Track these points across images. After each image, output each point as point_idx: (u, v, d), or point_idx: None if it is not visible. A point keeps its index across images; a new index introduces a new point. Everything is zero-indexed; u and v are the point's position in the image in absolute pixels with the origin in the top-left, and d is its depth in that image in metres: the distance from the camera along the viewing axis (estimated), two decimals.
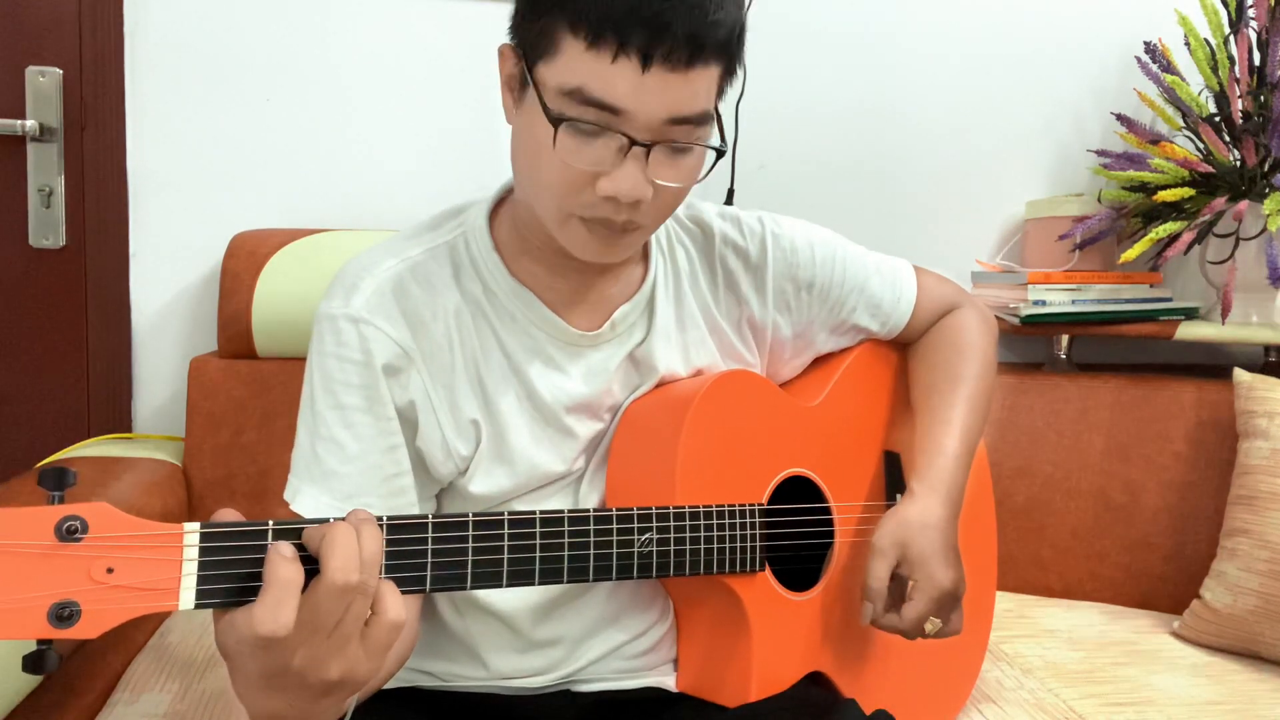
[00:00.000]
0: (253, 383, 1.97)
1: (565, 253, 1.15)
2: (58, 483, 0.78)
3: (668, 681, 1.29)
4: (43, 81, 2.01)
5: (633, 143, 1.02)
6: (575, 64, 1.00)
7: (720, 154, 1.07)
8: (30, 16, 2.01)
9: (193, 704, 1.49)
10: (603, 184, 1.03)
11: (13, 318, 2.06)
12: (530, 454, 1.20)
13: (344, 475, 1.11)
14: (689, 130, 1.04)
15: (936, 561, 1.24)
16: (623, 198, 1.03)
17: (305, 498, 1.11)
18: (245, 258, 1.97)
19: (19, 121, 2.00)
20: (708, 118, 1.05)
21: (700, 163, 1.09)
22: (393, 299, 1.15)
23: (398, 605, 0.85)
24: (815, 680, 1.30)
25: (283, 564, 0.81)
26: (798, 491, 1.30)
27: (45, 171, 2.03)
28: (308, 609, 0.81)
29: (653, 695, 1.27)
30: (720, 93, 1.08)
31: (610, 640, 1.25)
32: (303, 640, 0.82)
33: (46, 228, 2.05)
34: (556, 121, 1.02)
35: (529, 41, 1.05)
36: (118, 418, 2.11)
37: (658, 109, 1.01)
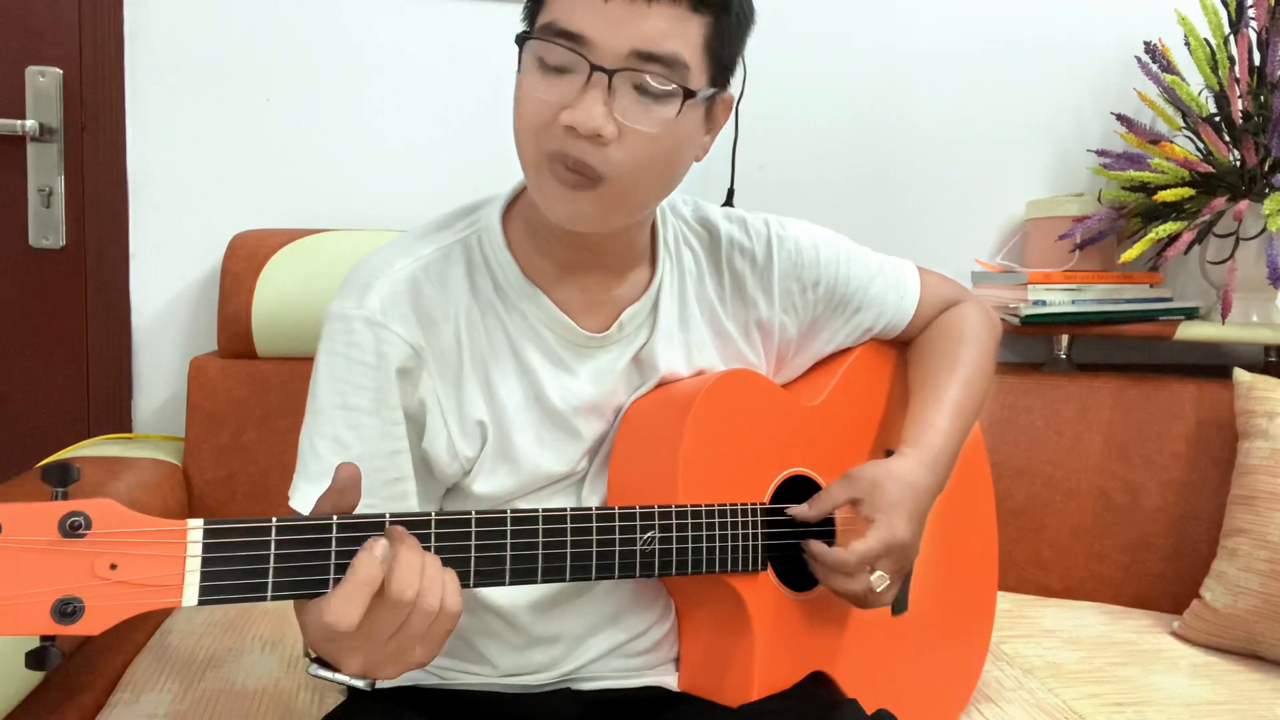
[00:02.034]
0: (253, 383, 1.97)
1: (566, 247, 1.17)
2: (61, 479, 0.78)
3: (669, 680, 1.29)
4: (43, 81, 2.02)
5: (593, 68, 1.02)
6: (552, 5, 1.04)
7: (689, 94, 1.05)
8: (30, 16, 2.01)
9: (193, 704, 1.49)
10: (564, 114, 1.03)
11: (13, 318, 2.06)
12: (534, 455, 1.20)
13: None
14: (660, 70, 1.04)
15: (901, 513, 1.22)
16: (579, 126, 1.02)
17: (303, 495, 1.11)
18: (245, 258, 1.97)
19: (19, 121, 2.00)
20: (679, 62, 1.04)
21: (679, 117, 1.07)
22: (407, 299, 1.14)
23: (456, 598, 0.91)
24: (817, 679, 1.29)
25: (369, 562, 0.85)
26: (800, 491, 1.30)
27: (45, 171, 2.03)
28: (365, 620, 0.85)
29: (654, 694, 1.27)
30: (710, 47, 1.07)
31: (611, 639, 1.25)
32: (359, 645, 0.87)
33: (46, 228, 2.05)
34: (521, 41, 1.06)
35: (528, 17, 1.10)
36: (118, 418, 2.11)
37: (620, 38, 1.02)
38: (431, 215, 1.25)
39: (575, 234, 1.14)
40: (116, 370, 2.09)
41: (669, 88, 1.04)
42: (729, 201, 2.21)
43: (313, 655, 0.96)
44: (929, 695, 1.46)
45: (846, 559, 1.19)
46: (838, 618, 1.32)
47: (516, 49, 1.08)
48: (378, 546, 0.86)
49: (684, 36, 1.04)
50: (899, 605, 1.40)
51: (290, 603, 0.95)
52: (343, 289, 1.15)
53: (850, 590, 1.21)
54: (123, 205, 2.07)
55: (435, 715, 1.19)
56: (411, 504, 1.16)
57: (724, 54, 1.09)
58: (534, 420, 1.20)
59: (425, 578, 0.89)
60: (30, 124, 2.00)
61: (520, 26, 1.11)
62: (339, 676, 0.95)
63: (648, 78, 1.03)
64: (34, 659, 0.76)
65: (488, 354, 1.18)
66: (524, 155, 1.10)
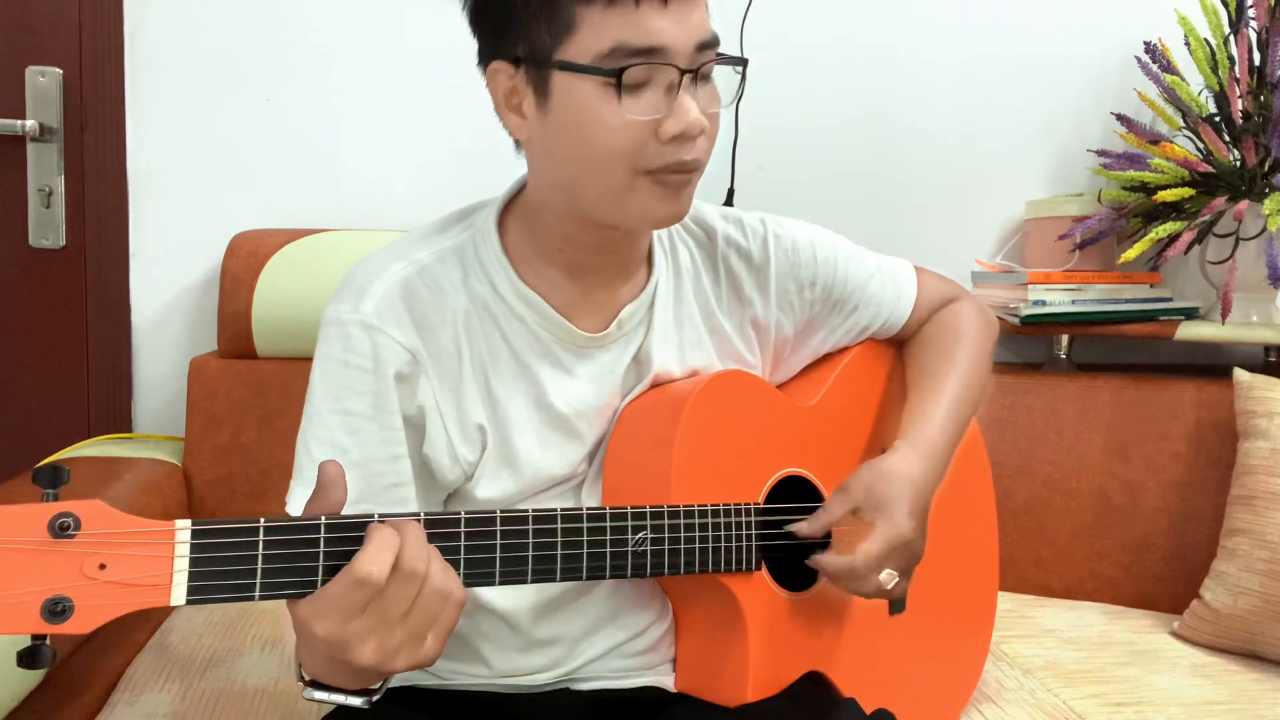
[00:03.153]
0: (253, 383, 1.97)
1: (583, 253, 1.17)
2: (52, 480, 0.79)
3: (666, 681, 1.29)
4: (43, 81, 2.02)
5: (682, 73, 1.05)
6: (601, 28, 1.03)
7: (745, 63, 1.11)
8: (30, 16, 2.01)
9: (193, 704, 1.49)
10: (667, 125, 1.05)
11: (13, 318, 2.07)
12: (536, 458, 1.20)
13: None
14: (713, 53, 1.08)
15: (900, 509, 1.22)
16: (691, 129, 1.05)
17: (299, 501, 1.10)
18: (245, 258, 1.97)
19: (19, 121, 2.01)
20: (718, 39, 1.09)
21: (718, 88, 1.12)
22: (402, 303, 1.14)
23: (461, 586, 0.93)
24: (814, 679, 1.29)
25: (383, 529, 0.90)
26: (795, 491, 1.30)
27: (45, 171, 2.04)
28: (378, 599, 0.87)
29: (651, 694, 1.27)
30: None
31: (609, 639, 1.25)
32: (373, 630, 0.87)
33: (46, 228, 2.05)
34: (618, 73, 1.03)
35: (534, 40, 1.06)
36: (118, 418, 2.11)
37: (689, 37, 1.05)
38: (431, 216, 1.25)
39: (598, 239, 1.16)
40: (116, 370, 2.10)
41: (733, 64, 1.10)
42: (729, 201, 2.21)
43: (306, 679, 0.97)
44: (928, 695, 1.46)
45: (856, 565, 1.19)
46: (834, 617, 1.32)
47: (545, 79, 1.07)
48: (387, 522, 0.91)
49: (707, 13, 1.09)
50: (896, 605, 1.40)
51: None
52: (338, 294, 1.15)
53: (862, 591, 1.22)
54: (123, 205, 2.07)
55: (435, 715, 1.19)
56: (411, 509, 1.15)
57: None
58: (535, 424, 1.20)
59: (434, 557, 0.91)
60: (30, 124, 2.01)
61: None
62: (334, 696, 0.96)
63: (707, 63, 1.08)
64: (26, 658, 0.77)
65: (487, 359, 1.18)
66: (607, 181, 1.09)
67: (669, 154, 1.06)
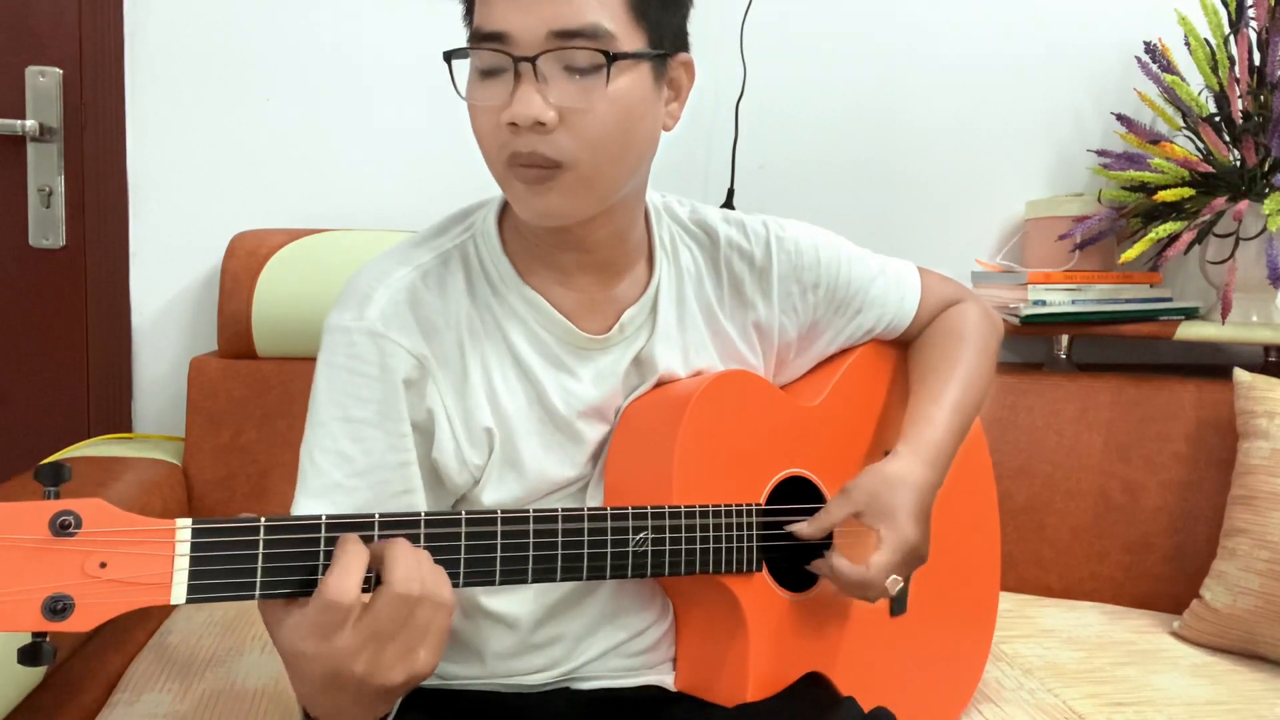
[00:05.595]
0: (253, 383, 1.97)
1: (554, 250, 1.17)
2: (53, 478, 0.79)
3: (667, 680, 1.29)
4: (43, 81, 2.02)
5: (515, 60, 1.02)
6: (476, 11, 1.06)
7: (611, 58, 1.03)
8: (30, 16, 2.01)
9: (193, 704, 1.49)
10: (504, 113, 1.03)
11: (13, 318, 2.07)
12: (540, 460, 1.19)
13: (350, 489, 1.09)
14: (583, 44, 1.02)
15: (905, 516, 1.22)
16: (518, 120, 1.02)
17: (303, 510, 1.09)
18: (245, 258, 1.97)
19: (19, 121, 2.01)
20: (601, 32, 1.02)
21: (618, 85, 1.05)
22: (407, 308, 1.14)
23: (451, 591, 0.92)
24: (814, 679, 1.29)
25: (352, 543, 0.88)
26: (797, 492, 1.30)
27: (45, 171, 2.04)
28: (369, 617, 0.86)
29: (652, 694, 1.27)
30: (637, 10, 1.05)
31: (610, 638, 1.25)
32: (363, 646, 0.86)
33: (46, 228, 2.05)
34: (447, 57, 1.07)
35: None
36: (118, 418, 2.11)
37: (536, 24, 1.01)
38: (431, 215, 1.25)
39: (560, 234, 1.15)
40: (116, 370, 2.10)
41: (596, 61, 1.03)
42: (729, 201, 2.21)
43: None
44: (928, 696, 1.46)
45: (868, 575, 1.19)
46: (835, 618, 1.32)
47: (447, 65, 1.08)
48: (351, 535, 0.89)
49: (603, 5, 1.02)
50: (898, 606, 1.40)
51: None
52: (341, 300, 1.14)
53: (866, 597, 1.23)
54: (123, 205, 2.07)
55: (435, 715, 1.19)
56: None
57: (658, 14, 1.08)
58: (538, 425, 1.19)
59: (424, 569, 0.90)
60: (30, 124, 2.01)
61: None
62: None
63: (573, 54, 1.02)
64: (26, 655, 0.77)
65: (490, 360, 1.17)
66: (490, 167, 1.11)
67: (512, 144, 1.05)
